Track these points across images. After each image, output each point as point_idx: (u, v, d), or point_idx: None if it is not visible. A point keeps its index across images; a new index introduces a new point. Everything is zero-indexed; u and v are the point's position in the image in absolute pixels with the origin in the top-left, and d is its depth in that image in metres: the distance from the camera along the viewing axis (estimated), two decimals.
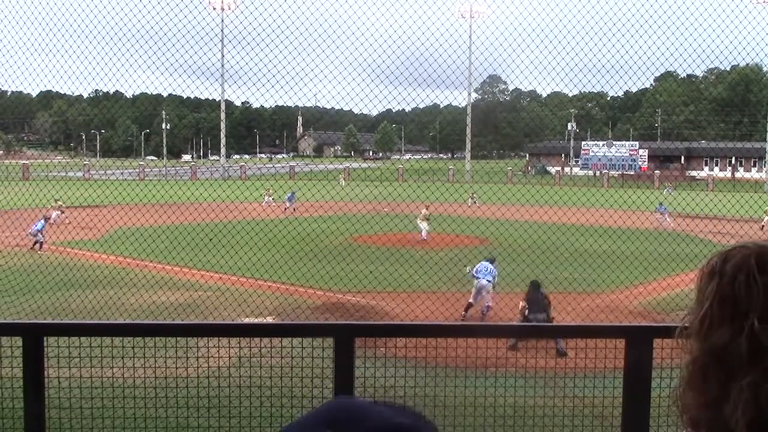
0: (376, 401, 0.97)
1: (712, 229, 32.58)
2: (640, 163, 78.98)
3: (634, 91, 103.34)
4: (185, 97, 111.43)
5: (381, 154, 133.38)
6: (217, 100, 72.30)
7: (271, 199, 45.20)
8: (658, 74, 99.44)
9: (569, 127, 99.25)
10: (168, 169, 79.75)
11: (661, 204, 38.01)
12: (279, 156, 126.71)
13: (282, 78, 77.53)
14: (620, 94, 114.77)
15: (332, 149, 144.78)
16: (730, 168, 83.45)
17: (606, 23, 21.59)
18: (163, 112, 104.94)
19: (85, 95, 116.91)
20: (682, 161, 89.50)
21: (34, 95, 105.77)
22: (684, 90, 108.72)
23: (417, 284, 19.72)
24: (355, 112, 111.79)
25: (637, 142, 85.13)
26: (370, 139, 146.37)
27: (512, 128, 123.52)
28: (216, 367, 9.20)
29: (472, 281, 17.99)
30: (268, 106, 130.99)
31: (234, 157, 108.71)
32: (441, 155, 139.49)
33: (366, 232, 28.71)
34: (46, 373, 3.16)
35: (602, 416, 8.04)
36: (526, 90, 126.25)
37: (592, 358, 7.13)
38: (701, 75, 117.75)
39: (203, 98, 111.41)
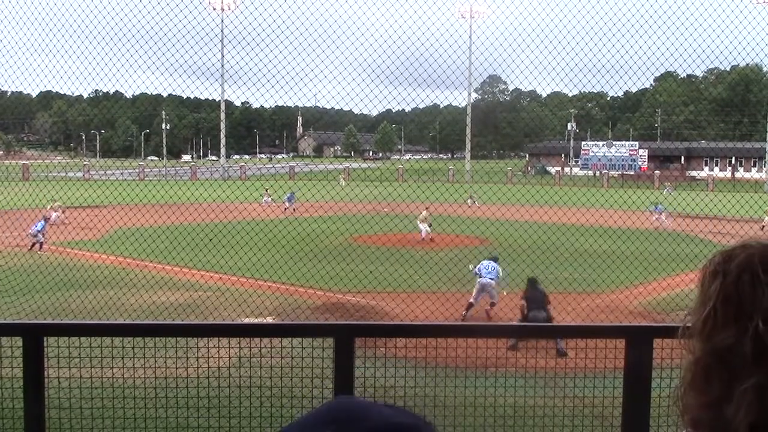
0: (376, 401, 0.97)
1: (712, 230, 32.56)
2: (640, 163, 79.04)
3: (634, 91, 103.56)
4: (185, 97, 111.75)
5: (381, 155, 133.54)
6: (217, 100, 72.44)
7: (270, 199, 45.21)
8: (658, 74, 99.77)
9: (569, 127, 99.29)
10: (168, 169, 79.84)
11: (656, 204, 37.89)
12: (279, 156, 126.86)
13: (282, 78, 77.57)
14: (620, 94, 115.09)
15: (332, 149, 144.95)
16: (730, 168, 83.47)
17: (606, 23, 21.57)
18: (163, 113, 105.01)
19: (85, 95, 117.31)
20: (682, 161, 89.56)
21: (34, 95, 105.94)
22: (684, 90, 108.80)
23: (417, 284, 19.72)
24: (355, 112, 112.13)
25: (637, 142, 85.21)
26: (370, 140, 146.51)
27: (512, 128, 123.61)
28: (216, 368, 9.18)
29: (474, 281, 18.01)
30: (268, 107, 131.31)
31: (234, 158, 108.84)
32: (441, 155, 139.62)
33: (366, 233, 28.71)
34: (46, 373, 3.16)
35: (602, 416, 8.03)
36: (526, 90, 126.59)
37: (592, 358, 7.12)
38: (701, 75, 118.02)
39: (203, 98, 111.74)
